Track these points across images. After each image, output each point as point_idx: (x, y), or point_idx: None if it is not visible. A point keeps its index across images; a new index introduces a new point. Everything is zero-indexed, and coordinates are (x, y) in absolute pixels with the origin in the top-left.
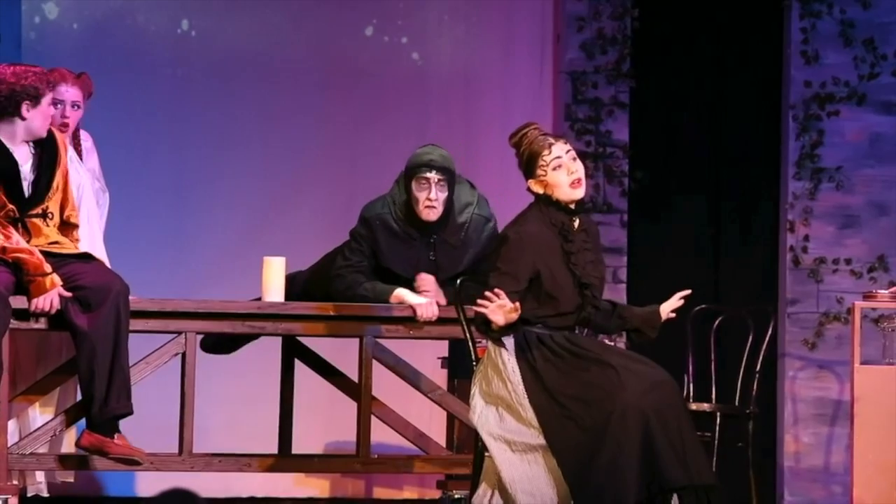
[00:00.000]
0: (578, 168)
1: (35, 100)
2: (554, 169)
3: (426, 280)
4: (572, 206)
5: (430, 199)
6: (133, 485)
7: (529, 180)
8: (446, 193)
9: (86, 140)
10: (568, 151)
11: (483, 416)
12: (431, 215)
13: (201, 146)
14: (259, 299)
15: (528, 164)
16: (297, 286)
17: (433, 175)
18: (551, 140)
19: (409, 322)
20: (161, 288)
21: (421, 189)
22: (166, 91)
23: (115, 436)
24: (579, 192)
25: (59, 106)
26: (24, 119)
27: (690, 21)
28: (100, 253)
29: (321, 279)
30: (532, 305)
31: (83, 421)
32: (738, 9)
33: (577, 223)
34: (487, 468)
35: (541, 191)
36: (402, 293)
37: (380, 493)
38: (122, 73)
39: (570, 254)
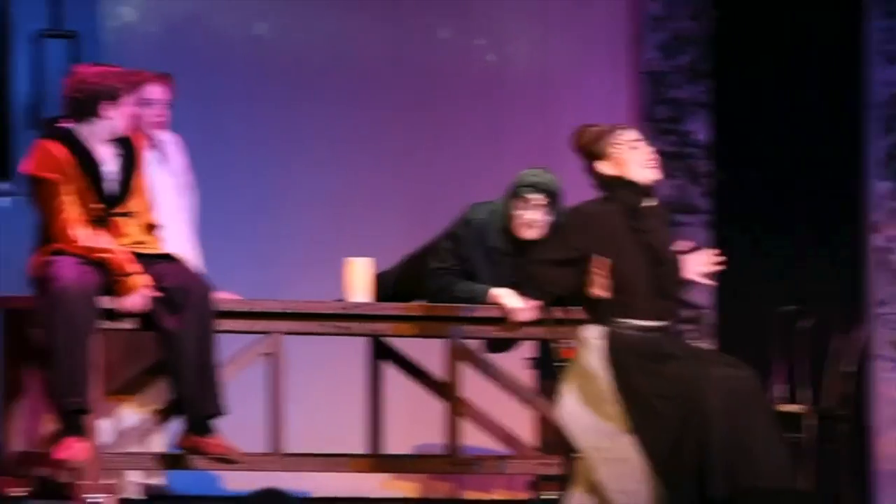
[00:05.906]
0: (653, 154)
1: (114, 100)
2: (632, 148)
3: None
4: (645, 189)
5: (529, 220)
6: (223, 484)
7: (598, 162)
8: (549, 218)
9: (172, 142)
10: (642, 139)
11: (573, 416)
12: (528, 233)
13: (279, 147)
14: (341, 300)
15: (600, 146)
16: (386, 286)
17: (534, 196)
18: (624, 126)
19: (499, 322)
20: (244, 288)
21: (519, 208)
22: (243, 92)
23: (212, 436)
24: (655, 172)
25: (153, 107)
26: (102, 119)
27: (770, 20)
28: (187, 251)
29: (412, 278)
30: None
31: (178, 420)
32: (818, 8)
33: (648, 205)
34: (577, 470)
35: (613, 171)
36: (497, 294)
37: (468, 494)
38: (199, 75)
39: (640, 231)
